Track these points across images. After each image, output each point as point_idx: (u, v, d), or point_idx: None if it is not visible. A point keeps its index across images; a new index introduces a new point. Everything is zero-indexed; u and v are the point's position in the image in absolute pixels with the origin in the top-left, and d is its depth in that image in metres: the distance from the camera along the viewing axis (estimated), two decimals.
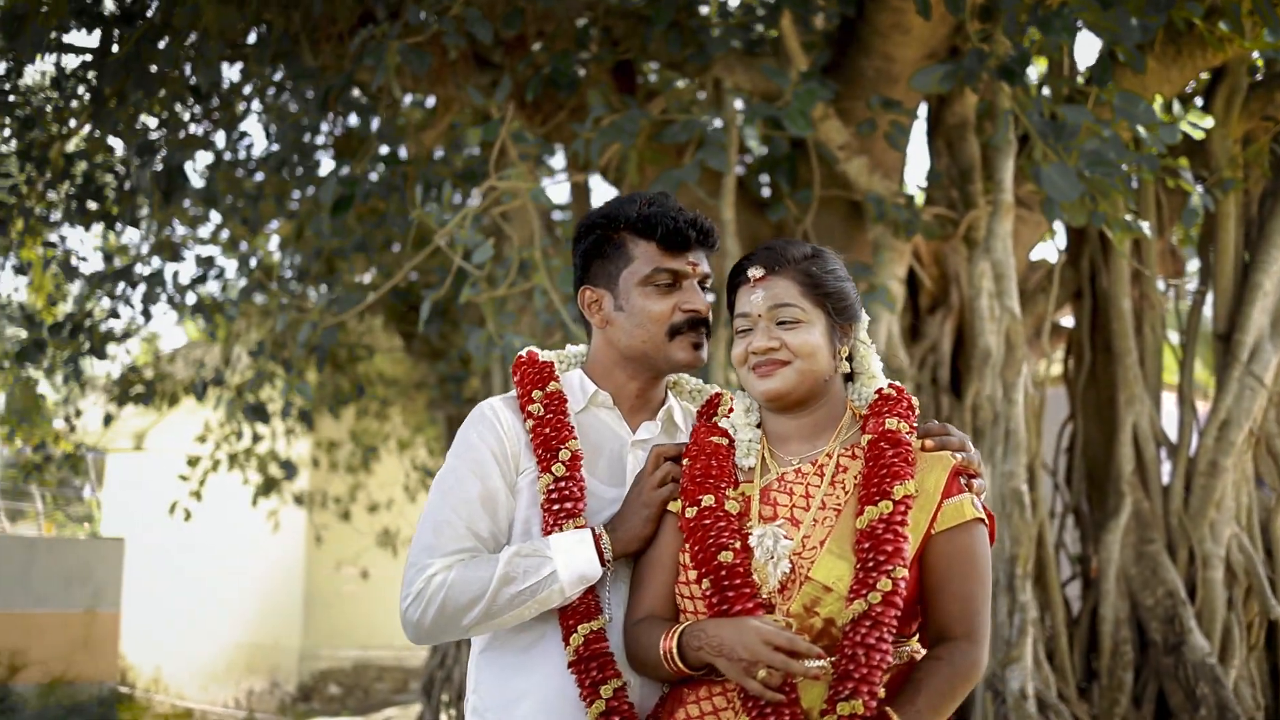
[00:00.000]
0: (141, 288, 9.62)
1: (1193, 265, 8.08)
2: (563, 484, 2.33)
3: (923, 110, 6.75)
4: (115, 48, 6.08)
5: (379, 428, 12.49)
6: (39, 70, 7.29)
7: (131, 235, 12.18)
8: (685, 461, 2.31)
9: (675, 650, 2.14)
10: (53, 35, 6.33)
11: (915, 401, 2.28)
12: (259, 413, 7.60)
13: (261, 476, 10.22)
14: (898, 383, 2.32)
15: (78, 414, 12.23)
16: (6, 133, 8.32)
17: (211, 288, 9.40)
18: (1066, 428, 6.93)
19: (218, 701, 13.85)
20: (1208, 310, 6.50)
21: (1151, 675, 5.93)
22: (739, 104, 6.39)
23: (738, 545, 2.17)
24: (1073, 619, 6.31)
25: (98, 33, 6.06)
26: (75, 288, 10.30)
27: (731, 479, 2.27)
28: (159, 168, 6.94)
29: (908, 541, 2.08)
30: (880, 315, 5.91)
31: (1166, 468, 6.34)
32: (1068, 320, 7.32)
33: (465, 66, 6.33)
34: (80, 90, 7.09)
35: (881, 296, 5.77)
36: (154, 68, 5.64)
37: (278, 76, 7.11)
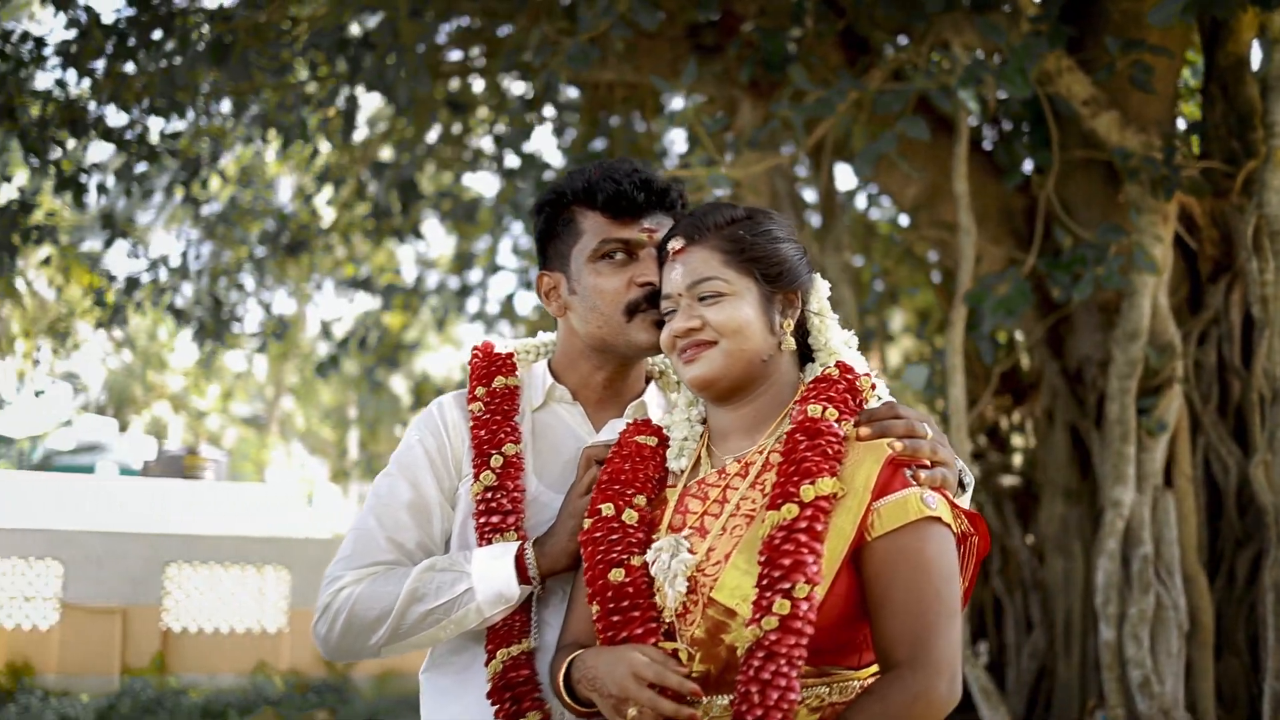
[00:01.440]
0: (432, 299, 10.14)
1: None
2: (491, 494, 2.07)
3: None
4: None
5: None
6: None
7: (438, 248, 12.77)
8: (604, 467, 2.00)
9: (562, 683, 1.86)
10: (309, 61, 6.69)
11: (864, 382, 1.87)
12: None
13: None
14: (848, 359, 1.90)
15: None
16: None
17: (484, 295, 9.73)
18: None
19: None
20: None
21: None
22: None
23: (634, 562, 1.85)
24: None
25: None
26: (364, 301, 10.92)
27: (647, 485, 1.94)
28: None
29: (816, 554, 1.70)
30: (1145, 283, 5.28)
31: None
32: None
33: (685, 54, 6.19)
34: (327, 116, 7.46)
35: (1140, 261, 5.15)
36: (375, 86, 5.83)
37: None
